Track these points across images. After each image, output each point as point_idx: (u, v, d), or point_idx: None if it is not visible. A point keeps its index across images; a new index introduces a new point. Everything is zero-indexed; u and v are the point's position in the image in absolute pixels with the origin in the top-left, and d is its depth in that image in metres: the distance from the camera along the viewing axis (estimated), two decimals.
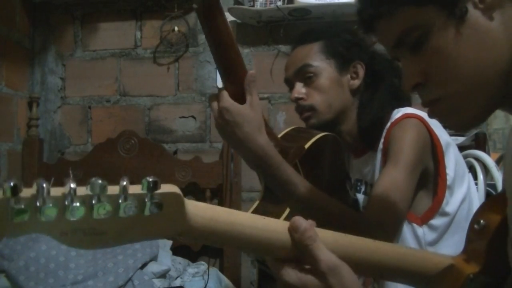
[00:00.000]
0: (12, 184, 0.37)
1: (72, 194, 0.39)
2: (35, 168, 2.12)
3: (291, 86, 1.18)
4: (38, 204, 0.38)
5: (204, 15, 0.77)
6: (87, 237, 0.42)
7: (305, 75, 1.14)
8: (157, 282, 1.62)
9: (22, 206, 0.38)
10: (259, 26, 2.11)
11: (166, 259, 1.77)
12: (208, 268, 1.77)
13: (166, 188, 0.44)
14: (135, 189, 0.42)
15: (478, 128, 1.89)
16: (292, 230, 0.52)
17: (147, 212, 0.42)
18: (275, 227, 0.53)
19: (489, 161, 1.35)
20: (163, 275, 1.68)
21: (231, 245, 0.54)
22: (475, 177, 1.32)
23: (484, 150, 1.64)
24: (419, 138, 1.01)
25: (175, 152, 2.17)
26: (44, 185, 0.38)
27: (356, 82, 1.15)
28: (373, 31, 0.66)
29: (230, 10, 2.03)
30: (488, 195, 1.32)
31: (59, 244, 1.57)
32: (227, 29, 0.79)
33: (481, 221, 0.57)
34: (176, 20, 2.14)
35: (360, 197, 1.19)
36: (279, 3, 1.96)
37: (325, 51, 1.15)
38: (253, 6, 1.98)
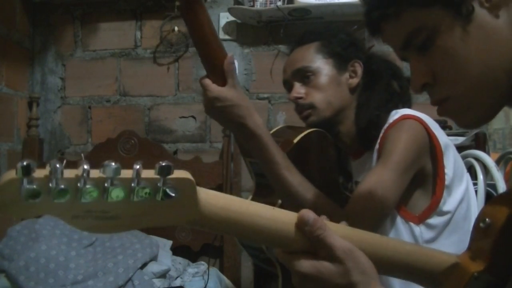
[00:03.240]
0: (25, 163, 0.36)
1: (86, 176, 0.38)
2: None
3: (289, 88, 1.18)
4: (51, 185, 0.37)
5: (187, 12, 0.79)
6: (99, 221, 0.41)
7: (303, 75, 1.15)
8: (157, 282, 1.62)
9: (35, 187, 0.37)
10: (259, 26, 2.11)
11: (166, 259, 1.77)
12: (208, 268, 1.77)
13: (179, 174, 0.43)
14: (148, 173, 0.42)
15: (478, 128, 1.89)
16: (301, 224, 0.52)
17: (159, 197, 0.42)
18: (287, 218, 0.52)
19: (489, 161, 1.35)
20: (163, 275, 1.68)
21: (240, 235, 0.53)
22: (475, 177, 1.32)
23: (484, 150, 1.64)
24: (415, 139, 1.00)
25: (175, 152, 2.17)
26: (58, 166, 0.37)
27: (355, 81, 1.15)
28: (380, 33, 0.66)
29: (230, 10, 2.03)
30: (488, 195, 1.32)
31: (59, 244, 1.56)
32: (210, 25, 0.82)
33: (487, 219, 0.57)
34: (176, 20, 2.13)
35: None
36: (279, 3, 1.96)
37: (323, 51, 1.16)
38: (253, 6, 1.98)
